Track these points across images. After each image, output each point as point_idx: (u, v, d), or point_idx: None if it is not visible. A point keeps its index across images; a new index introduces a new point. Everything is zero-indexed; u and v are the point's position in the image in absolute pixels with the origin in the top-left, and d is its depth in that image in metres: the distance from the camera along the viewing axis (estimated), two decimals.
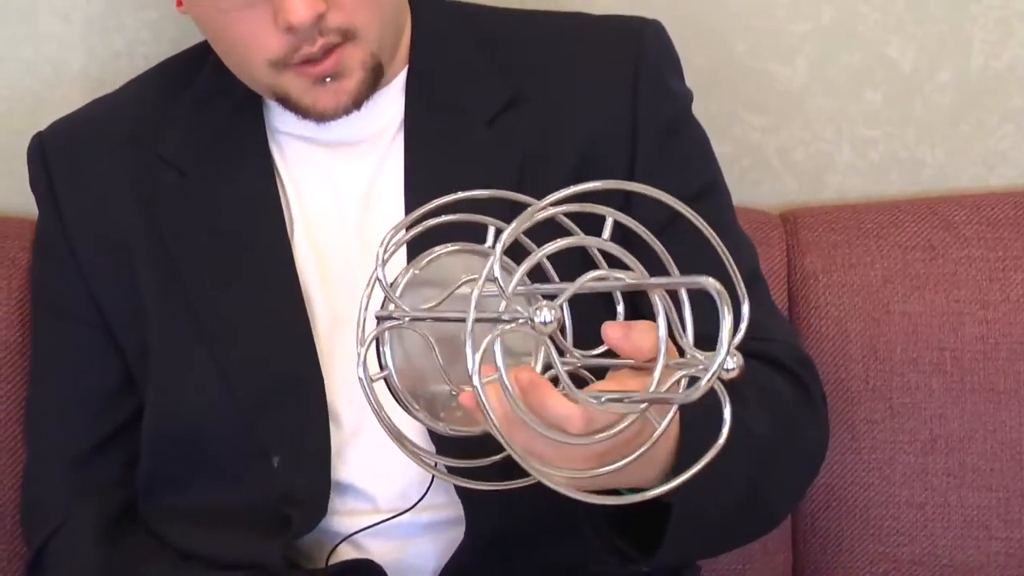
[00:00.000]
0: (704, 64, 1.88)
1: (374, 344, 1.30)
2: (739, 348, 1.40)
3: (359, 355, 1.26)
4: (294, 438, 1.49)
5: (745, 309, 1.16)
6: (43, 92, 1.92)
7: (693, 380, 1.15)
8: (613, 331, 1.15)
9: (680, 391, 1.14)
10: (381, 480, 1.50)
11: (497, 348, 1.10)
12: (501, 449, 1.20)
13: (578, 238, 1.19)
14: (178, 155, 1.64)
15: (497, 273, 1.14)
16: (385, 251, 1.24)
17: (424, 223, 1.28)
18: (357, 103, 1.54)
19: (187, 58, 1.75)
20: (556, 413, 1.11)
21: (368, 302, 1.26)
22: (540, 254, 1.12)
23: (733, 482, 1.43)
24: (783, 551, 1.89)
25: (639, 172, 1.60)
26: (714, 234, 1.18)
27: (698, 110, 1.68)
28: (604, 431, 1.12)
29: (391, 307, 1.26)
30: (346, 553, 1.53)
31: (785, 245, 1.90)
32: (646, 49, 1.64)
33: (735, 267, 1.27)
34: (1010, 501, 1.85)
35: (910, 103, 2.00)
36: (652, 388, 1.12)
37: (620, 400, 1.13)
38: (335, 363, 1.49)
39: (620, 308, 1.25)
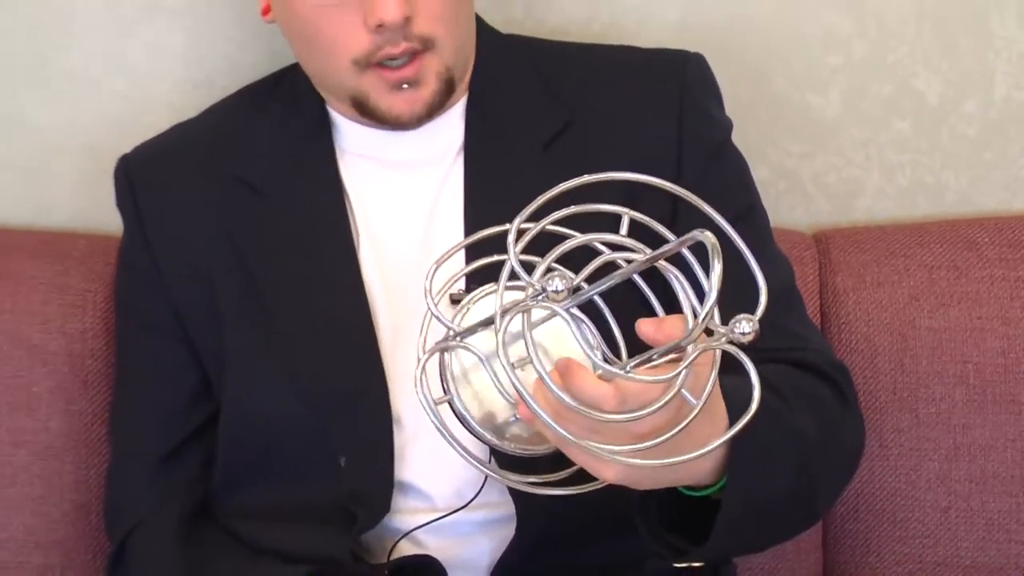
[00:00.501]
0: (744, 94, 1.91)
1: (437, 367, 1.32)
2: (778, 358, 1.53)
3: (417, 378, 1.28)
4: (360, 440, 1.53)
5: (763, 296, 1.19)
6: (129, 119, 1.95)
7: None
8: (646, 326, 1.19)
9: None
10: (439, 479, 1.53)
11: (526, 329, 1.14)
12: (563, 462, 1.25)
13: (588, 236, 1.24)
14: (253, 174, 1.68)
15: (518, 269, 1.18)
16: (430, 282, 1.27)
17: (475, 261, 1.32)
18: (430, 112, 1.59)
19: (261, 87, 1.79)
20: (589, 394, 1.14)
21: (427, 330, 1.30)
22: (558, 251, 1.18)
23: (781, 474, 1.45)
24: (814, 552, 1.91)
25: (684, 187, 1.66)
26: (744, 247, 1.20)
27: (737, 137, 1.71)
28: (641, 409, 1.13)
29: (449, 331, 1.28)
30: (406, 549, 1.55)
31: (818, 264, 1.93)
32: (690, 80, 1.68)
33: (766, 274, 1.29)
34: None
35: (936, 132, 2.02)
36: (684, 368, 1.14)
37: (645, 361, 1.17)
38: (397, 370, 1.52)
39: (657, 306, 1.27)
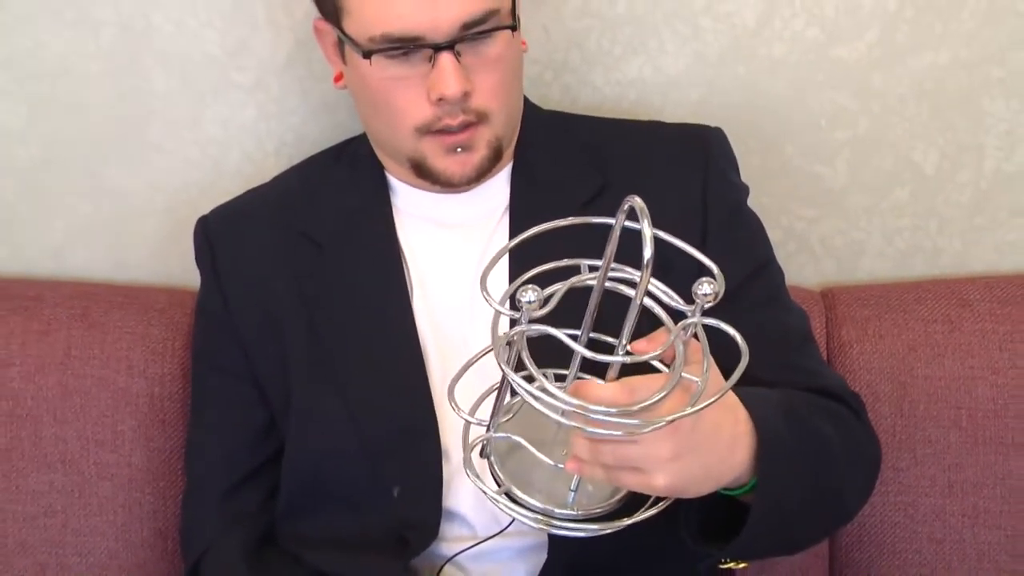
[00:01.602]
0: (759, 165, 1.96)
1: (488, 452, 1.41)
2: (807, 388, 1.57)
3: (467, 473, 1.34)
4: (412, 473, 1.57)
5: (715, 269, 1.26)
6: (204, 186, 2.01)
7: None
8: (639, 345, 1.26)
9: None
10: (480, 509, 1.57)
11: (525, 355, 1.20)
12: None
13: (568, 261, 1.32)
14: (318, 232, 1.73)
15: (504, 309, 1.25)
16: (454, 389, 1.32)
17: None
18: (479, 175, 1.65)
19: (324, 156, 1.85)
20: (602, 396, 1.19)
21: (469, 432, 1.36)
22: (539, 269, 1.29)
23: (807, 469, 1.47)
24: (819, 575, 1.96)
25: (709, 246, 1.68)
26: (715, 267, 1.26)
27: (752, 203, 1.76)
28: (649, 396, 1.18)
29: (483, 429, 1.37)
30: (450, 573, 1.59)
31: (824, 318, 1.97)
32: (712, 151, 1.74)
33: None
34: (1017, 539, 1.89)
35: (932, 200, 2.06)
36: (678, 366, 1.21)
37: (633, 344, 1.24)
38: (446, 410, 1.51)
39: (664, 316, 1.30)
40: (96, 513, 1.89)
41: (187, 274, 1.97)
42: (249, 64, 1.99)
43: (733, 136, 1.80)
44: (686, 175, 1.73)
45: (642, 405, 1.21)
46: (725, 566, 1.55)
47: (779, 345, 1.69)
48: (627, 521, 1.36)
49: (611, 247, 1.27)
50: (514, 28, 1.63)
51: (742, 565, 1.55)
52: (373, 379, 1.61)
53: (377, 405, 1.58)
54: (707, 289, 1.24)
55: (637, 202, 1.21)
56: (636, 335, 1.37)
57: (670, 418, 1.21)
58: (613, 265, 1.30)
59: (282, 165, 1.92)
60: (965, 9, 1.97)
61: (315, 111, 2.01)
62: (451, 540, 1.58)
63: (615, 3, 1.95)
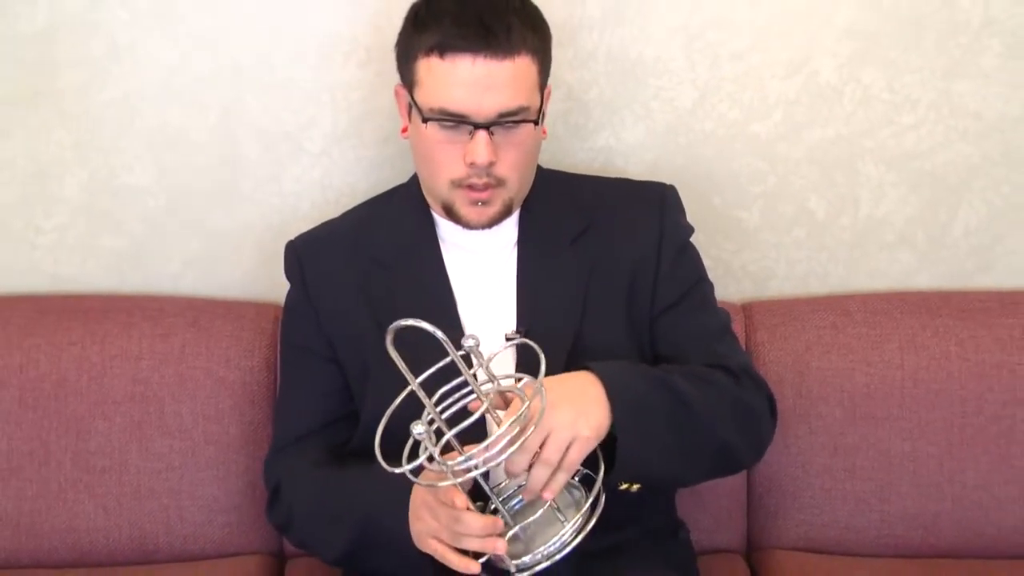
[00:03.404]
0: (695, 210, 1.95)
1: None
2: (712, 365, 1.74)
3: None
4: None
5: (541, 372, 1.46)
6: (283, 226, 2.10)
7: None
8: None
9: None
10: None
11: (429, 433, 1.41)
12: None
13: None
14: (383, 256, 1.82)
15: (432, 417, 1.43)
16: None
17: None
18: (492, 224, 1.76)
19: (382, 198, 1.93)
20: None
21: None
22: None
23: (663, 408, 1.62)
24: (740, 517, 2.07)
25: (662, 275, 1.80)
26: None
27: (692, 239, 1.87)
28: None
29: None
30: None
31: (744, 325, 2.09)
32: (667, 203, 1.86)
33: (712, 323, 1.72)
34: (884, 488, 2.02)
35: (822, 237, 2.18)
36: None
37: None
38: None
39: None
40: (203, 469, 2.03)
41: (270, 292, 2.11)
42: (316, 136, 2.11)
43: (678, 189, 1.89)
44: (647, 221, 1.83)
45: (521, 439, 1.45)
46: (622, 487, 1.66)
47: (706, 338, 1.81)
48: (594, 519, 1.55)
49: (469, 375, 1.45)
50: (537, 123, 1.72)
51: (636, 487, 1.66)
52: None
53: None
54: (419, 429, 1.41)
55: (472, 342, 1.41)
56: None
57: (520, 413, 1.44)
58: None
59: (341, 211, 1.96)
60: (845, 97, 2.10)
61: (366, 171, 2.13)
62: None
63: (588, 91, 2.08)
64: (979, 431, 2.03)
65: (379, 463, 1.47)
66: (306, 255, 1.88)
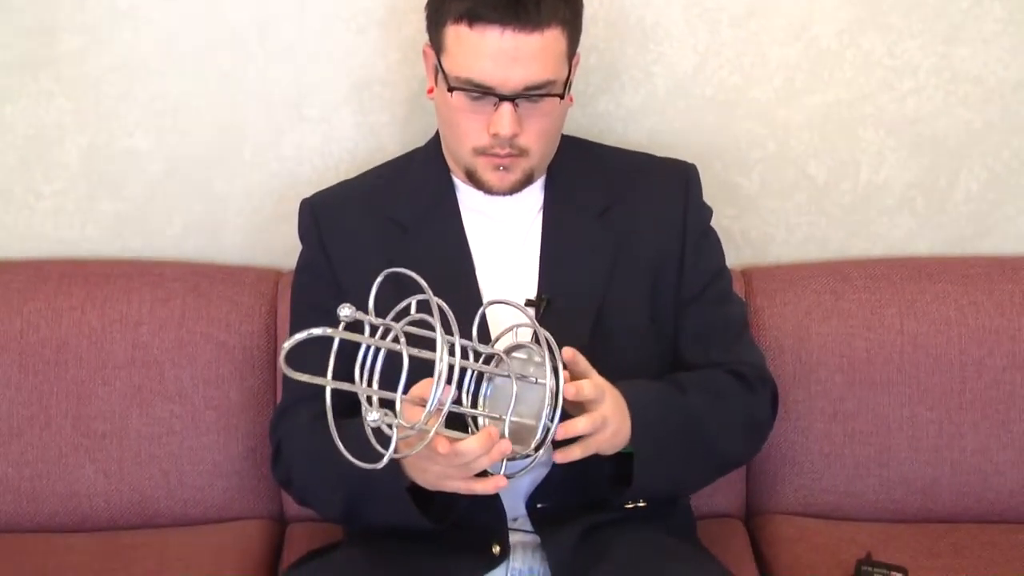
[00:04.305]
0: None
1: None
2: (721, 366, 1.77)
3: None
4: None
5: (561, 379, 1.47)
6: (283, 191, 2.11)
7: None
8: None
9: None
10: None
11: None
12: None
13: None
14: (402, 217, 1.80)
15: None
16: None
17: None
18: (513, 191, 1.75)
19: (400, 161, 1.91)
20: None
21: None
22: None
23: (674, 431, 1.66)
24: (740, 482, 2.08)
25: (687, 264, 1.81)
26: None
27: None
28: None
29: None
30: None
31: (744, 291, 2.08)
32: (691, 181, 1.87)
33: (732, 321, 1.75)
34: (882, 452, 2.02)
35: (822, 203, 2.17)
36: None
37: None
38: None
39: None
40: (204, 433, 2.02)
41: (270, 257, 2.13)
42: (315, 103, 2.10)
43: (675, 156, 1.91)
44: (672, 200, 1.83)
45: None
46: (628, 506, 1.72)
47: (726, 335, 1.83)
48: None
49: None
50: (562, 97, 1.70)
51: (641, 504, 1.72)
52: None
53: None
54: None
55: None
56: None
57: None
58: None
59: (340, 177, 1.97)
60: (845, 62, 2.09)
61: (364, 137, 2.12)
62: None
63: (588, 56, 2.04)
64: (978, 396, 2.03)
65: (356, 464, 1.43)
66: (323, 213, 1.86)
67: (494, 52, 1.64)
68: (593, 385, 1.54)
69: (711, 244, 1.88)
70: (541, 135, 1.72)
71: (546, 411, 1.50)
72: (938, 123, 2.14)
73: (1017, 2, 2.09)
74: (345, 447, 1.40)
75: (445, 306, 1.43)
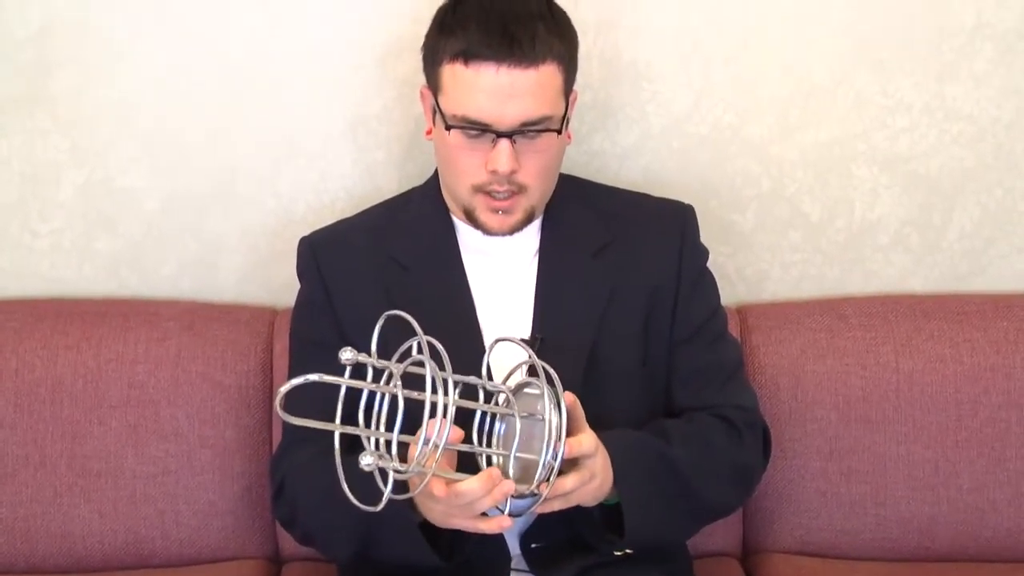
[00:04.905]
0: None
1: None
2: (712, 410, 1.76)
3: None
4: None
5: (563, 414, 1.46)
6: (279, 229, 2.10)
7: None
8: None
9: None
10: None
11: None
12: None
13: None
14: (402, 256, 1.79)
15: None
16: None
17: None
18: (513, 231, 1.74)
19: (398, 200, 1.90)
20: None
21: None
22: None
23: (664, 485, 1.66)
24: (736, 522, 2.05)
25: (680, 305, 1.80)
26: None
27: None
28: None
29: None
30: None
31: (739, 328, 2.06)
32: (688, 222, 1.86)
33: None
34: (878, 491, 2.00)
35: (817, 240, 2.16)
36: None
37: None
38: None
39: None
40: (200, 473, 1.99)
41: (266, 294, 2.12)
42: (311, 140, 2.09)
43: (669, 194, 1.91)
44: (668, 241, 1.82)
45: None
46: (618, 553, 1.71)
47: (718, 377, 1.82)
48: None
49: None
50: (559, 132, 1.69)
51: (628, 551, 1.70)
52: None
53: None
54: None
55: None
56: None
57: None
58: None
59: (336, 214, 2.00)
60: (839, 100, 2.09)
61: (360, 175, 2.11)
62: None
63: (583, 94, 1.95)
64: (974, 434, 2.01)
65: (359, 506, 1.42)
66: (322, 250, 1.85)
67: (490, 89, 1.64)
68: (591, 441, 1.53)
69: (707, 285, 1.88)
70: (539, 172, 1.72)
71: (546, 449, 1.47)
72: (932, 161, 2.13)
73: (1008, 42, 2.09)
74: (349, 486, 1.38)
75: (438, 345, 1.41)
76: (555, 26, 1.69)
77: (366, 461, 1.34)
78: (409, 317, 1.41)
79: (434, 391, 1.36)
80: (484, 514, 1.53)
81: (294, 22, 2.07)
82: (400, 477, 1.39)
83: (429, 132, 1.78)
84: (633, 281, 1.79)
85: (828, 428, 2.03)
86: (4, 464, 1.99)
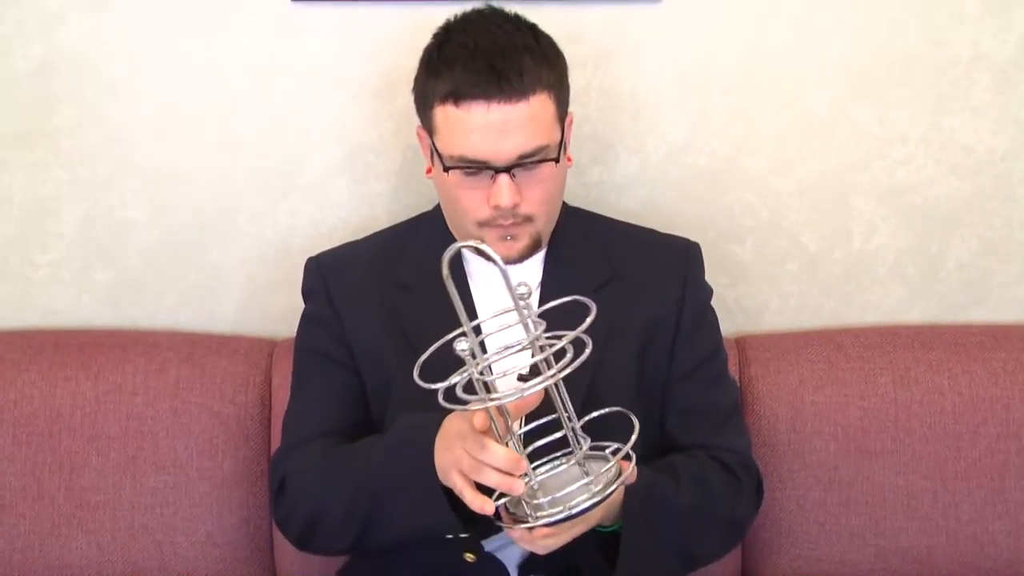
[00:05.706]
0: None
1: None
2: (713, 457, 1.74)
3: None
4: None
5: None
6: (278, 260, 2.10)
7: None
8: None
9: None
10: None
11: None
12: None
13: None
14: (408, 281, 1.78)
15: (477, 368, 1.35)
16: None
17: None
18: (520, 259, 1.73)
19: (404, 227, 1.90)
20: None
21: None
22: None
23: (665, 536, 1.67)
24: (735, 553, 2.02)
25: (680, 341, 1.79)
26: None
27: None
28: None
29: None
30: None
31: (738, 360, 2.06)
32: (692, 262, 1.85)
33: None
34: (878, 521, 1.99)
35: (815, 271, 2.16)
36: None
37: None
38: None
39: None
40: (198, 504, 1.98)
41: (264, 324, 2.12)
42: (309, 172, 2.09)
43: (668, 225, 1.91)
44: (672, 277, 1.82)
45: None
46: None
47: (714, 419, 1.82)
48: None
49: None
50: (557, 160, 1.69)
51: None
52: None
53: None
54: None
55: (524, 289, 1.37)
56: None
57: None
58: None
59: (334, 244, 1.94)
60: (836, 131, 2.08)
61: (358, 206, 2.11)
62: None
63: (582, 126, 2.03)
64: (973, 465, 2.00)
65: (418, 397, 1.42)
66: (330, 270, 1.85)
67: (482, 127, 1.64)
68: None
69: (708, 324, 1.86)
70: (543, 200, 1.71)
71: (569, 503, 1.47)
72: (929, 192, 2.13)
73: (1004, 73, 2.08)
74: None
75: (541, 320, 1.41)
76: (542, 56, 1.68)
77: (462, 346, 1.34)
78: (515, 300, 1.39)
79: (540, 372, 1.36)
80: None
81: (291, 55, 2.07)
82: (472, 379, 1.38)
83: (429, 171, 1.78)
84: (631, 313, 1.78)
85: (827, 459, 2.02)
86: (2, 496, 1.98)
